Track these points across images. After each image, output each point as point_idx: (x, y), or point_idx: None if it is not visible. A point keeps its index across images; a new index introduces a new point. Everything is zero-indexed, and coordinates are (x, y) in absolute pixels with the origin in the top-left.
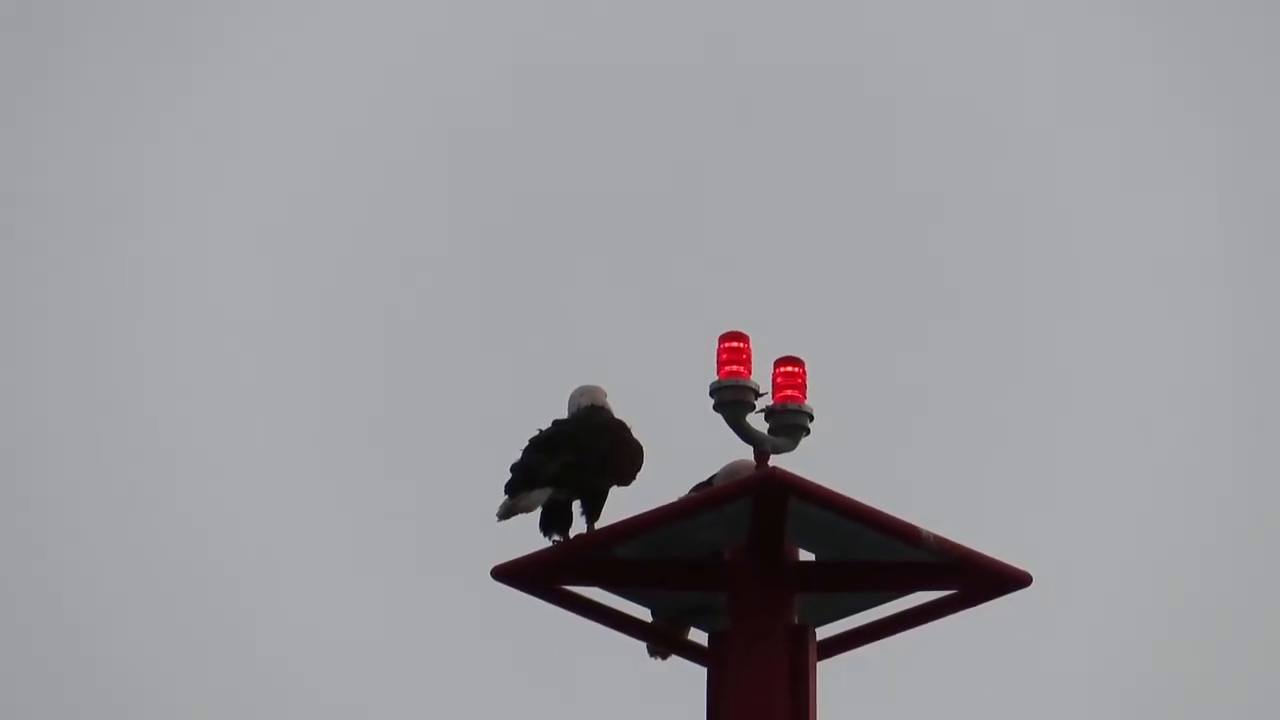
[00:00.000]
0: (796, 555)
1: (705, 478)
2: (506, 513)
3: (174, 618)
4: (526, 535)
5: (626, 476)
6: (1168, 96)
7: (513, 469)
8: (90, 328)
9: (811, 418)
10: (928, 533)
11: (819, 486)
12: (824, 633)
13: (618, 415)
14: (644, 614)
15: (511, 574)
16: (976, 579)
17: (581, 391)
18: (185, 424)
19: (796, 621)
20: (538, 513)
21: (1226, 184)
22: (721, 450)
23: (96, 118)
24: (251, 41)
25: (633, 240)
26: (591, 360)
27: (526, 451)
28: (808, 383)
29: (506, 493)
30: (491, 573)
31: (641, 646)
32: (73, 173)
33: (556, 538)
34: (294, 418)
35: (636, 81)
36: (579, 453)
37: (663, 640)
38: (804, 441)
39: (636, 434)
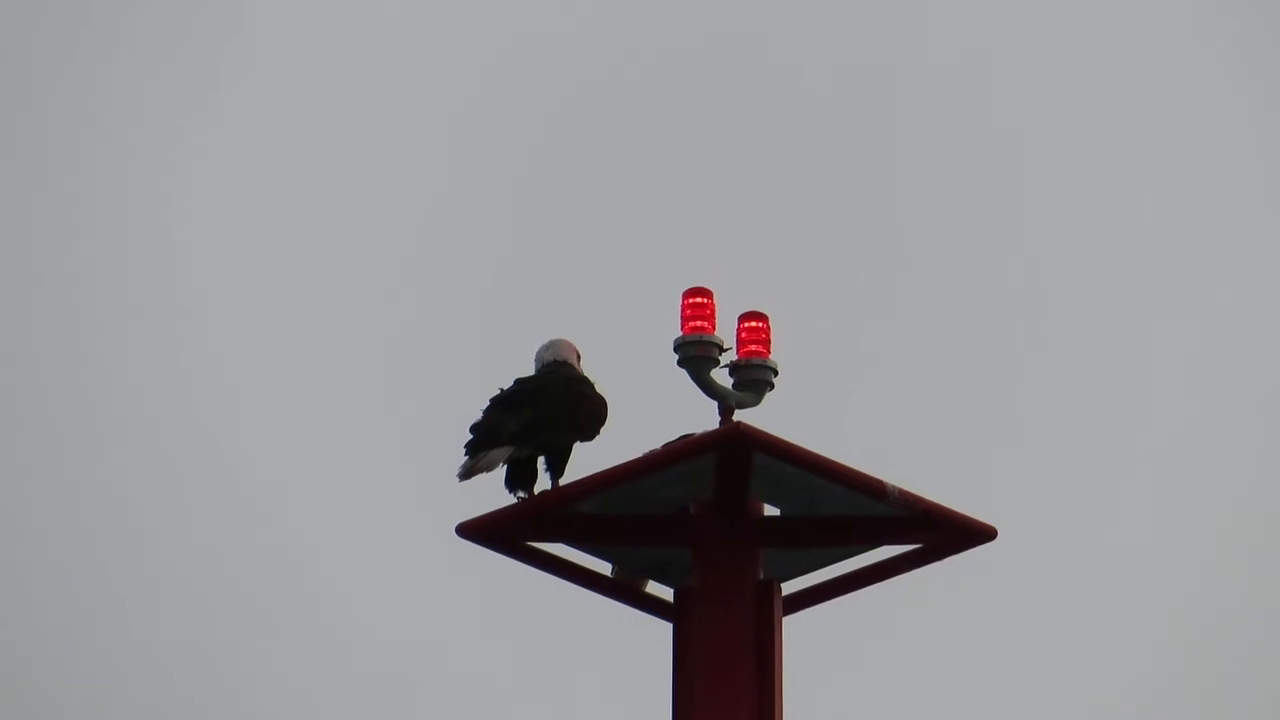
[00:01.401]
0: (761, 510)
1: (679, 435)
2: (467, 472)
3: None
4: (494, 493)
5: (589, 432)
6: (1180, 69)
7: (473, 429)
8: (123, 319)
9: (776, 373)
10: (892, 486)
11: (783, 441)
12: (790, 588)
13: (585, 370)
14: (606, 568)
15: (476, 531)
16: (941, 533)
17: (547, 346)
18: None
19: (762, 576)
20: (502, 471)
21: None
22: (687, 406)
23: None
24: (268, 37)
25: (597, 196)
26: (557, 316)
27: (487, 410)
28: (772, 338)
29: (466, 452)
30: (456, 530)
31: (607, 602)
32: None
33: (521, 494)
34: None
35: (592, 40)
36: (539, 410)
37: (628, 594)
38: (768, 397)
39: (601, 390)
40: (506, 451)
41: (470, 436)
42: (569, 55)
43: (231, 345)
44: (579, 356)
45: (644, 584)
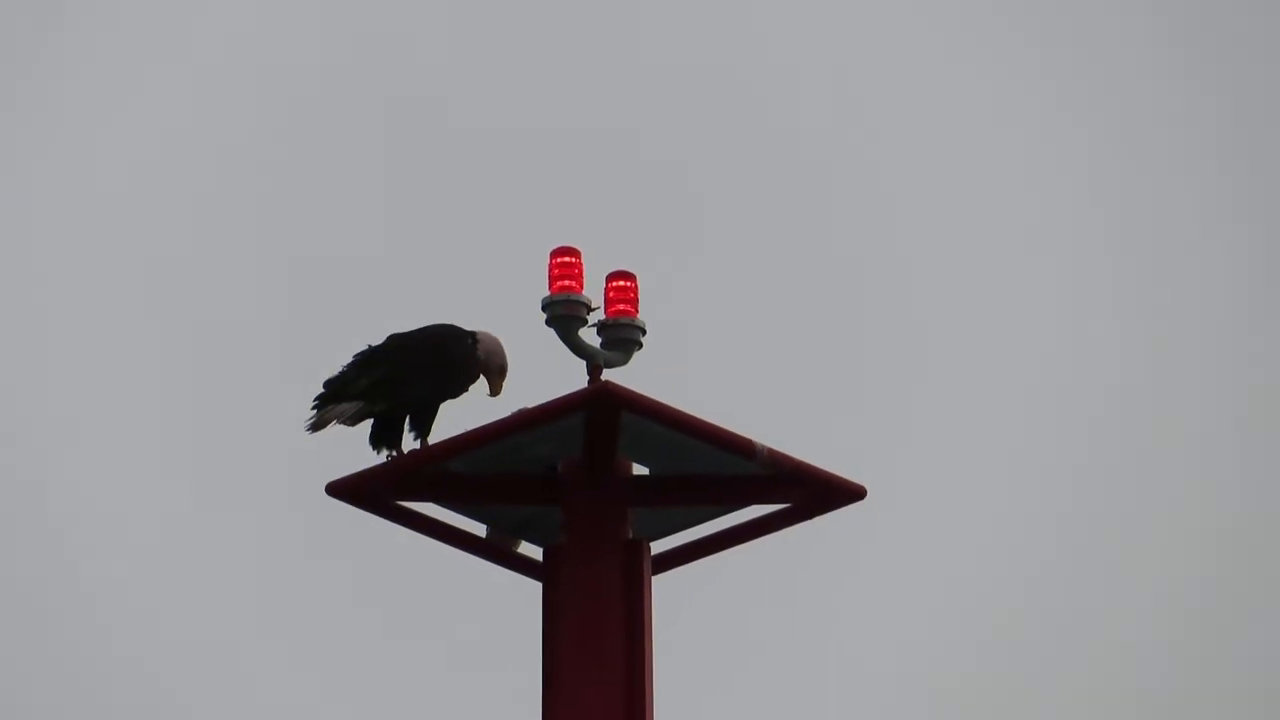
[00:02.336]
0: (630, 470)
1: (514, 410)
2: (313, 426)
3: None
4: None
5: (448, 390)
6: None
7: (325, 383)
8: None
9: (644, 332)
10: (761, 446)
11: (651, 400)
12: (659, 547)
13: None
14: (478, 528)
15: (345, 490)
16: (811, 492)
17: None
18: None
19: (631, 536)
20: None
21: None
22: (554, 365)
23: None
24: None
25: (465, 155)
26: (424, 277)
27: (346, 365)
28: (639, 297)
29: (314, 405)
30: (326, 489)
31: (476, 562)
32: None
33: (388, 452)
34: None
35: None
36: (395, 366)
37: (496, 554)
38: (636, 356)
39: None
40: (355, 406)
41: (321, 390)
42: (434, 11)
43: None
44: (501, 366)
45: (516, 545)
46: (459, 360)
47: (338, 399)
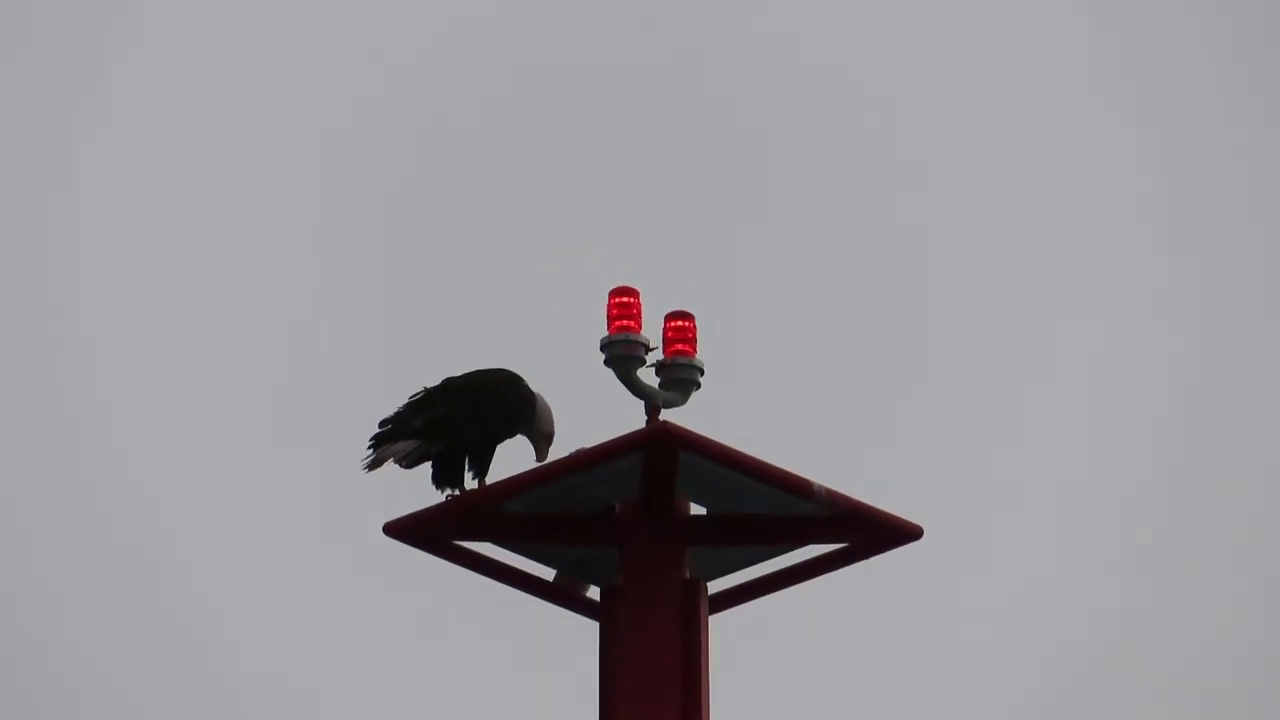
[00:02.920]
0: (688, 509)
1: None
2: (370, 465)
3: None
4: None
5: (502, 430)
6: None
7: (380, 423)
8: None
9: (702, 372)
10: (819, 486)
11: (709, 440)
12: (716, 586)
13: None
14: (539, 569)
15: (403, 530)
16: (867, 532)
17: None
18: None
19: (688, 575)
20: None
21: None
22: (612, 405)
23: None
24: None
25: (522, 195)
26: (483, 318)
27: (402, 406)
28: (698, 337)
29: (370, 445)
30: (383, 529)
31: (533, 601)
32: None
33: (450, 492)
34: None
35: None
36: (451, 406)
37: (554, 594)
38: (695, 396)
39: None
40: (411, 445)
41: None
42: (497, 47)
43: (106, 354)
44: (546, 433)
45: (586, 589)
46: (513, 401)
47: (394, 438)
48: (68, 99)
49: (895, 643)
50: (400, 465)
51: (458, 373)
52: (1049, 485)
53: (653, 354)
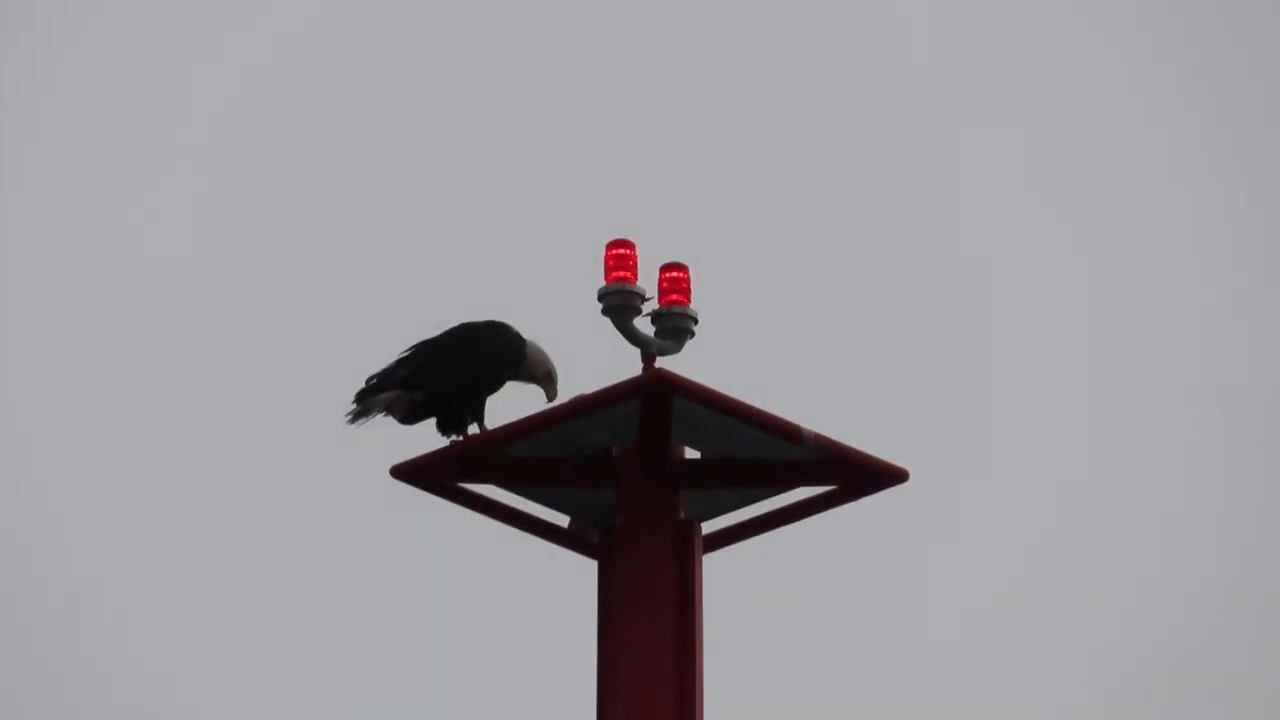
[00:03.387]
0: (682, 453)
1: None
2: (354, 417)
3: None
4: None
5: (489, 376)
6: None
7: (367, 379)
8: None
9: (696, 321)
10: (808, 430)
11: (703, 386)
12: (710, 527)
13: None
14: (536, 510)
15: (409, 473)
16: (854, 474)
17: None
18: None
19: (683, 516)
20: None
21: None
22: (610, 354)
23: None
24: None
25: (517, 149)
26: (481, 270)
27: (391, 363)
28: (692, 287)
29: (354, 400)
30: (390, 471)
31: (534, 541)
32: None
33: (454, 437)
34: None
35: None
36: (430, 355)
37: (554, 535)
38: (689, 344)
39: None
40: (393, 395)
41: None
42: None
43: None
44: (548, 373)
45: (596, 535)
46: (493, 347)
47: (374, 391)
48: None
49: (886, 582)
50: (396, 419)
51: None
52: (1046, 436)
53: (648, 304)
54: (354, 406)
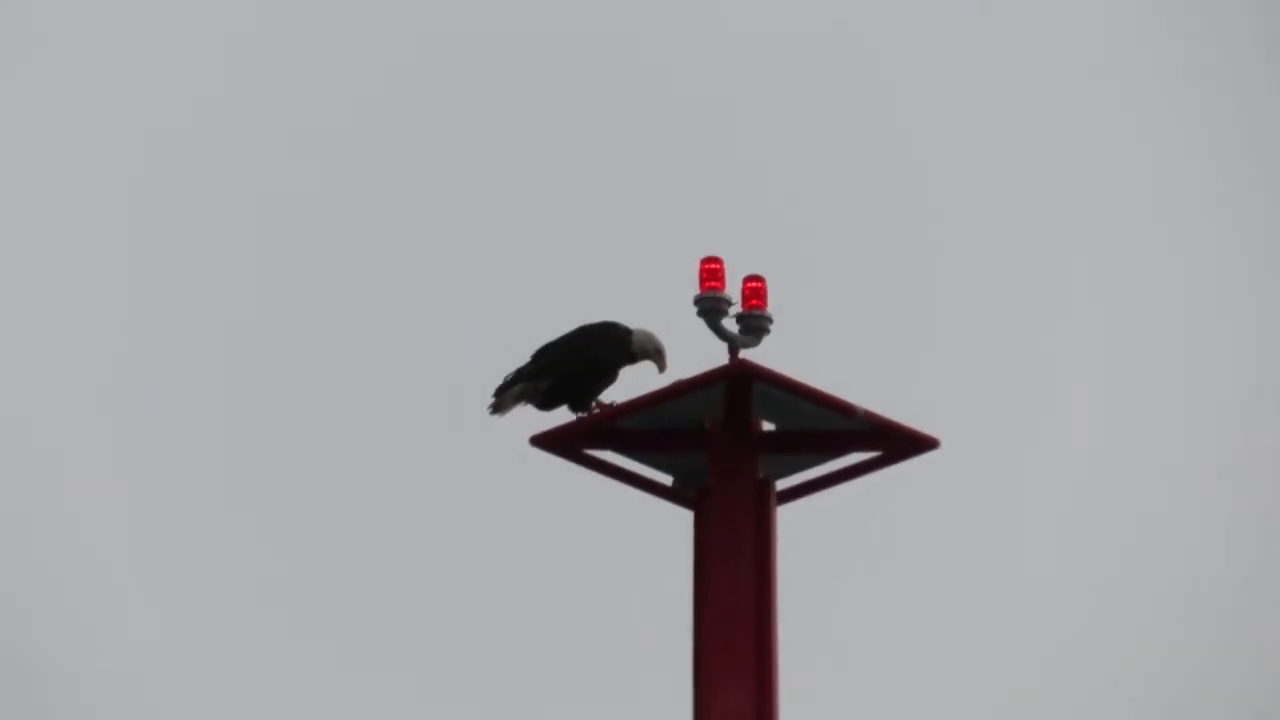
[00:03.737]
0: (760, 425)
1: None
2: (493, 408)
3: None
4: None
5: (604, 362)
6: None
7: (506, 376)
8: None
9: (771, 321)
10: (859, 407)
11: (775, 373)
12: (783, 484)
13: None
14: (646, 471)
15: (545, 441)
16: (896, 443)
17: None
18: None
19: (761, 476)
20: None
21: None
22: (703, 347)
23: None
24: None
25: (626, 182)
26: (604, 281)
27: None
28: (768, 293)
29: (494, 395)
30: (530, 440)
31: (643, 497)
32: None
33: (580, 414)
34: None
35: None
36: (552, 351)
37: (676, 498)
38: (766, 340)
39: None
40: (522, 386)
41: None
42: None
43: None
44: (657, 349)
45: (692, 491)
46: (604, 339)
47: (508, 386)
48: None
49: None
50: (535, 406)
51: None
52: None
53: (733, 307)
54: (493, 400)
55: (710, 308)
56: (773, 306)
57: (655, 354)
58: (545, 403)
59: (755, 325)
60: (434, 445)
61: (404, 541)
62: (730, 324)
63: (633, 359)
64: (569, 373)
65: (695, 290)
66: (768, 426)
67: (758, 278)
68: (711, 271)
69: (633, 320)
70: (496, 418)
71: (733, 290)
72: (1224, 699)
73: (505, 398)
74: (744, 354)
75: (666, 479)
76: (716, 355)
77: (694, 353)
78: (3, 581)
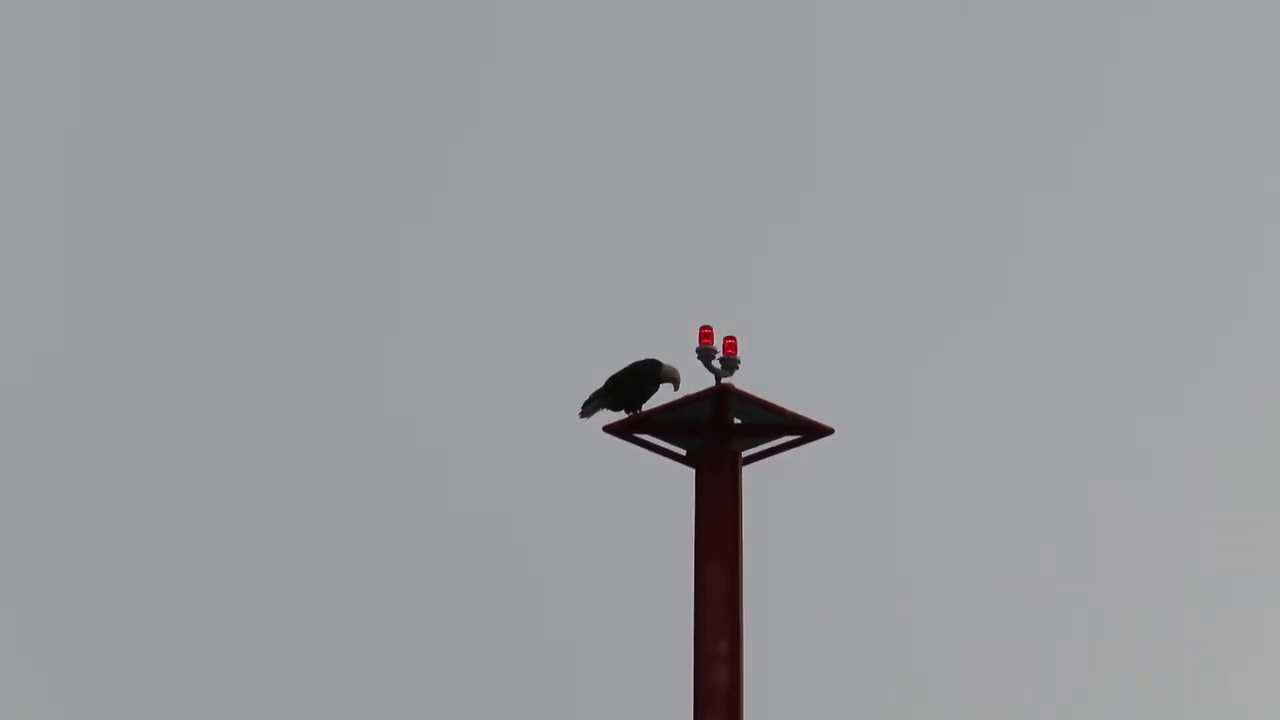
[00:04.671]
0: (732, 420)
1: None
2: (582, 414)
3: None
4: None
5: (645, 385)
6: None
7: (592, 394)
8: None
9: (739, 363)
10: (790, 411)
11: (743, 391)
12: (746, 454)
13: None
14: (667, 446)
15: (613, 430)
16: (805, 430)
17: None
18: None
19: (733, 450)
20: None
21: None
22: (701, 379)
23: None
24: None
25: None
26: (619, 341)
27: (601, 386)
28: (739, 345)
29: (582, 406)
30: (603, 429)
31: (669, 465)
32: None
33: (628, 413)
34: None
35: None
36: (615, 379)
37: (687, 462)
38: (738, 373)
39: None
40: (598, 402)
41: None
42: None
43: None
44: (676, 379)
45: (697, 457)
46: (644, 372)
47: (590, 402)
48: None
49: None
50: (609, 408)
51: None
52: None
53: (717, 355)
54: (581, 408)
55: (704, 355)
56: (743, 351)
57: (674, 381)
58: (614, 406)
59: (731, 365)
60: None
61: None
62: (715, 364)
63: (661, 382)
64: (625, 391)
65: (694, 342)
66: (737, 421)
67: (731, 336)
68: (705, 334)
69: (664, 358)
70: (584, 420)
71: (717, 343)
72: None
73: (590, 407)
74: (725, 381)
75: (681, 451)
76: (707, 380)
77: (694, 382)
78: None
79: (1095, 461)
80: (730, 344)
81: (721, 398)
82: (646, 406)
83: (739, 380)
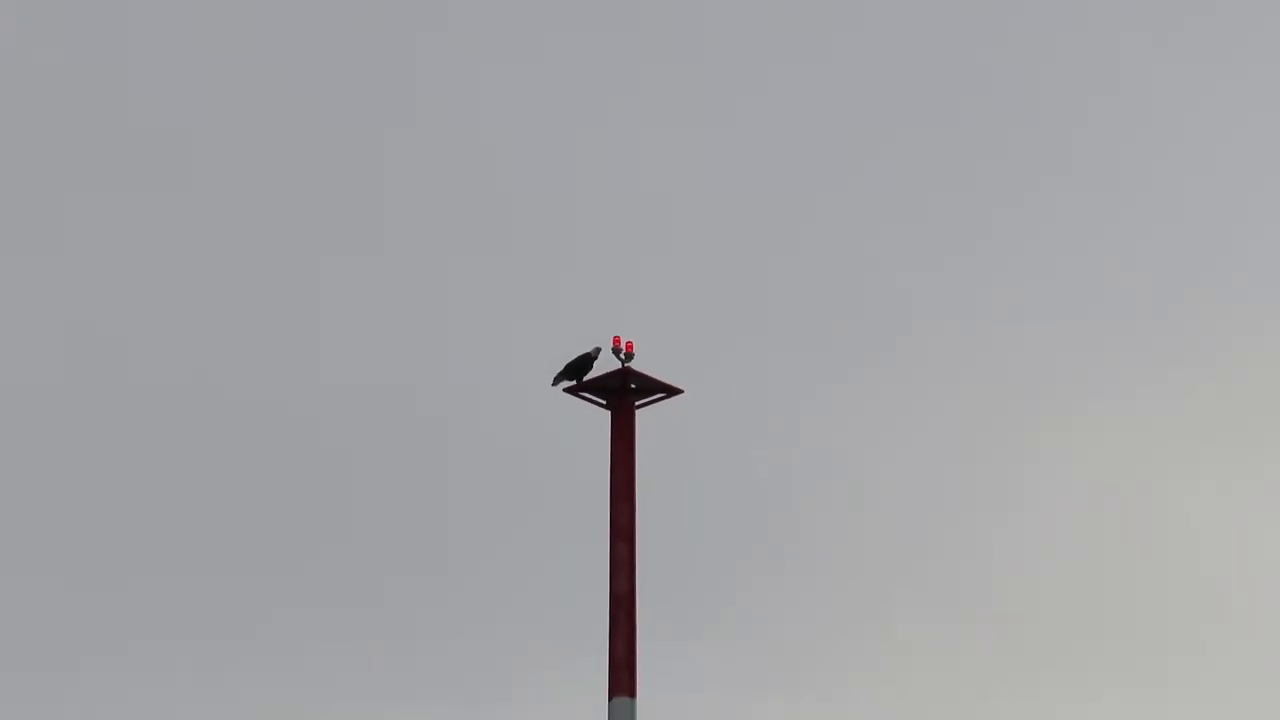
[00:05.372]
0: (629, 384)
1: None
2: (554, 383)
3: None
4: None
5: (586, 369)
6: None
7: (560, 370)
8: None
9: (634, 356)
10: (656, 378)
11: (636, 371)
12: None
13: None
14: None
15: (570, 390)
16: (666, 390)
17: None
18: None
19: (631, 401)
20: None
21: None
22: (611, 364)
23: None
24: None
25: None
26: (576, 342)
27: (566, 366)
28: (635, 345)
29: (554, 378)
30: (563, 389)
31: (597, 411)
32: None
33: (573, 382)
34: None
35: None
36: (571, 364)
37: (606, 408)
38: (633, 361)
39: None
40: (561, 376)
41: (559, 371)
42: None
43: None
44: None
45: (610, 406)
46: (587, 362)
47: (561, 375)
48: None
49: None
50: (567, 379)
51: (572, 356)
52: None
53: (623, 352)
54: (553, 380)
55: (616, 351)
56: (638, 347)
57: (598, 362)
58: (569, 378)
59: (629, 357)
60: None
61: None
62: (622, 356)
63: (595, 363)
64: (576, 369)
65: (612, 345)
66: (633, 386)
67: (629, 340)
68: (617, 340)
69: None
70: (553, 387)
71: (624, 343)
72: None
73: (558, 379)
74: (626, 365)
75: (603, 402)
76: (616, 364)
77: (607, 366)
78: None
79: None
80: (630, 345)
81: (625, 374)
82: (588, 378)
83: (636, 365)
